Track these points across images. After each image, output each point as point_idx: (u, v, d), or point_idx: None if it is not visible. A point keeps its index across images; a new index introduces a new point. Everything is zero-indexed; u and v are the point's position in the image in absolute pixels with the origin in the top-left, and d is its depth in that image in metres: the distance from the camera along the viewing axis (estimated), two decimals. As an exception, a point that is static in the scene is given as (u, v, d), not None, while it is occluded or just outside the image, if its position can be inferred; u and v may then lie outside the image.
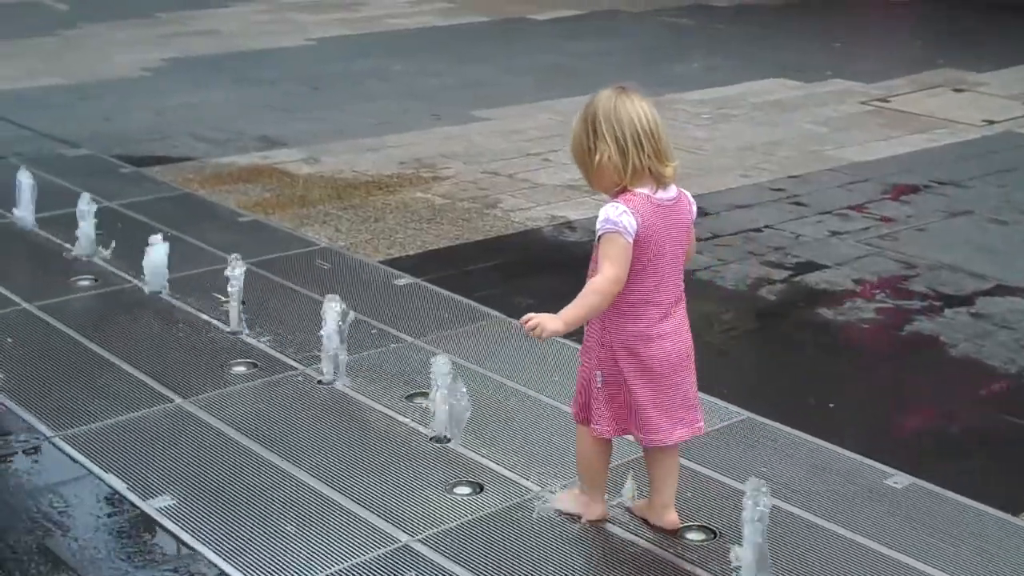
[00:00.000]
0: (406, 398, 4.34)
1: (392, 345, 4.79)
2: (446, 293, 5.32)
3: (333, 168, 7.26)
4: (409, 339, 4.84)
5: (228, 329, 4.92)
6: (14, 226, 6.10)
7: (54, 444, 4.04)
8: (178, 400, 4.32)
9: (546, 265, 5.77)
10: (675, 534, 3.53)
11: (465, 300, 5.22)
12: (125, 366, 4.58)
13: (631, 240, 3.33)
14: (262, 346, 4.76)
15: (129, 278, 5.43)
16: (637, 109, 3.44)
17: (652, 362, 3.42)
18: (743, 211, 6.56)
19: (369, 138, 7.99)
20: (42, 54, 10.49)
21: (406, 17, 12.57)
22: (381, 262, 5.66)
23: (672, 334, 3.46)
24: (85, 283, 5.44)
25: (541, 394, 4.37)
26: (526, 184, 7.02)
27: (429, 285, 5.40)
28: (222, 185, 6.90)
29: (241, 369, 4.60)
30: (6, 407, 4.27)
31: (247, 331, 4.87)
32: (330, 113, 8.66)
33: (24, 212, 6.07)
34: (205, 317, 5.04)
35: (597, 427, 3.50)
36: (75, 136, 7.78)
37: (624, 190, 3.37)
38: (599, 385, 3.47)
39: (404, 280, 5.46)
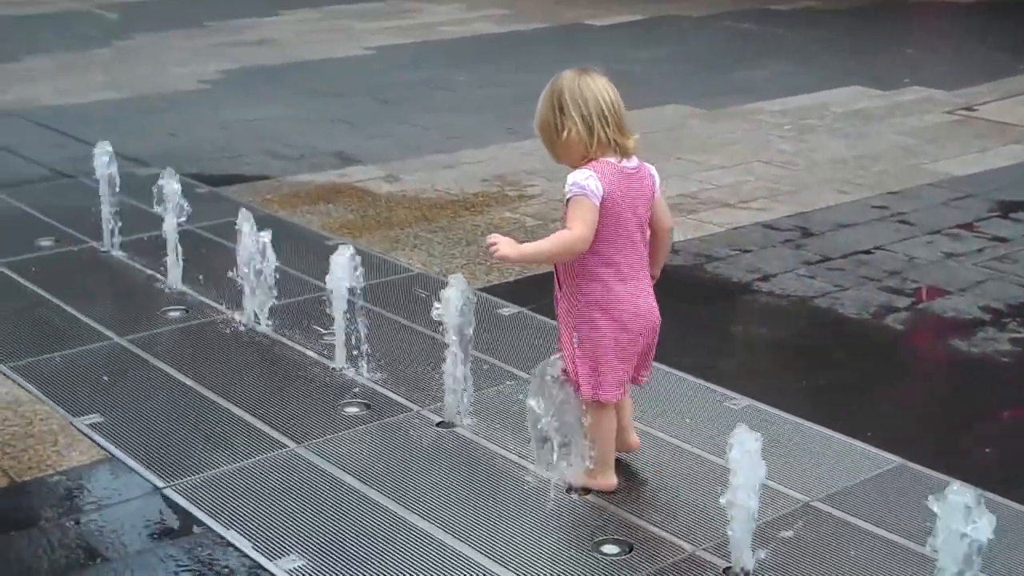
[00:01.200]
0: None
1: (508, 382, 4.53)
2: (554, 324, 5.05)
3: (414, 187, 7.00)
4: (525, 376, 4.58)
5: (333, 365, 4.67)
6: (96, 252, 5.88)
7: (166, 496, 3.79)
8: (291, 445, 4.07)
9: (652, 291, 5.51)
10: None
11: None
12: (230, 406, 4.33)
13: (597, 203, 3.54)
14: (372, 384, 4.51)
15: (221, 308, 5.19)
16: (599, 87, 3.67)
17: (614, 322, 3.63)
18: (848, 231, 6.27)
19: (444, 154, 7.73)
20: (98, 66, 10.29)
21: (461, 24, 12.32)
22: (481, 289, 5.39)
23: (630, 298, 3.65)
24: (176, 314, 5.19)
25: (681, 441, 4.11)
26: (617, 202, 6.75)
27: (535, 315, 5.14)
28: (303, 205, 6.65)
29: (354, 410, 4.35)
30: (111, 454, 4.04)
31: (354, 367, 4.63)
32: (400, 127, 8.41)
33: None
34: (308, 352, 4.79)
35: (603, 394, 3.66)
36: (143, 154, 7.54)
37: (589, 160, 3.60)
38: (575, 344, 3.65)
39: (508, 310, 5.20)
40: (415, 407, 4.34)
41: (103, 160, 5.90)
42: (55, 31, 11.86)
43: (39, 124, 8.38)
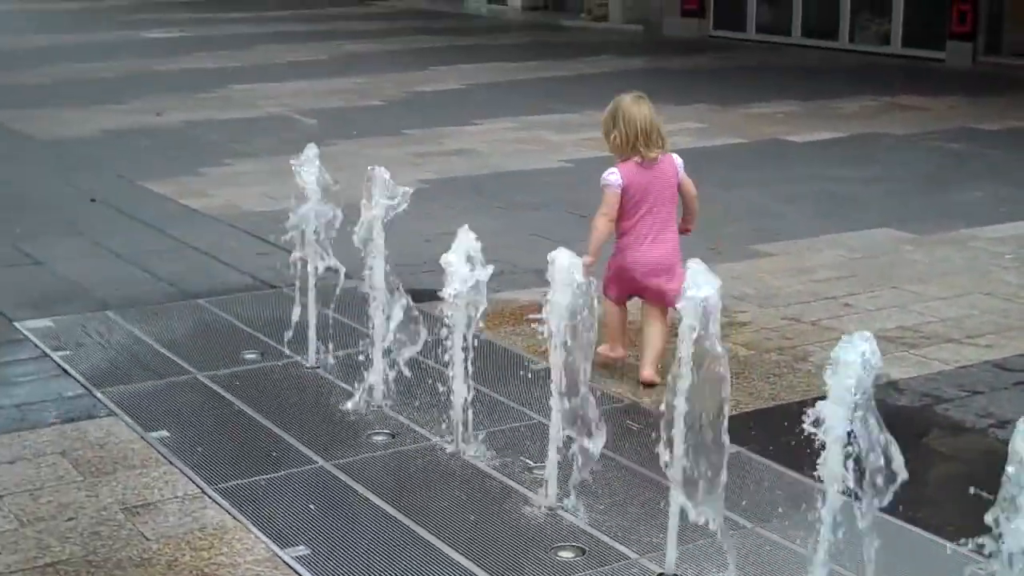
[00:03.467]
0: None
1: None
2: (777, 467, 4.77)
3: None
4: (748, 526, 4.30)
5: (546, 504, 4.45)
6: (301, 368, 5.80)
7: (375, 642, 3.60)
8: (505, 592, 3.85)
9: (879, 434, 5.17)
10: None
11: (801, 478, 4.65)
12: (440, 544, 4.14)
13: (618, 191, 5.66)
14: (589, 529, 4.27)
15: (428, 435, 5.02)
16: (643, 112, 5.59)
17: (619, 264, 5.81)
18: (1093, 376, 5.85)
19: (649, 274, 7.52)
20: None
21: (658, 138, 12.15)
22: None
23: (635, 250, 5.76)
24: (381, 439, 5.05)
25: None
26: (834, 334, 6.42)
27: (757, 457, 4.85)
28: (506, 325, 6.50)
29: (568, 555, 4.11)
30: (319, 592, 3.87)
31: (570, 507, 4.40)
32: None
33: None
34: (518, 488, 4.58)
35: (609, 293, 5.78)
36: (346, 265, 7.48)
37: (623, 159, 5.63)
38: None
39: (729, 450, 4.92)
40: (633, 555, 4.09)
41: (309, 271, 5.86)
42: (258, 135, 12.06)
43: (244, 231, 8.43)
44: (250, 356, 5.96)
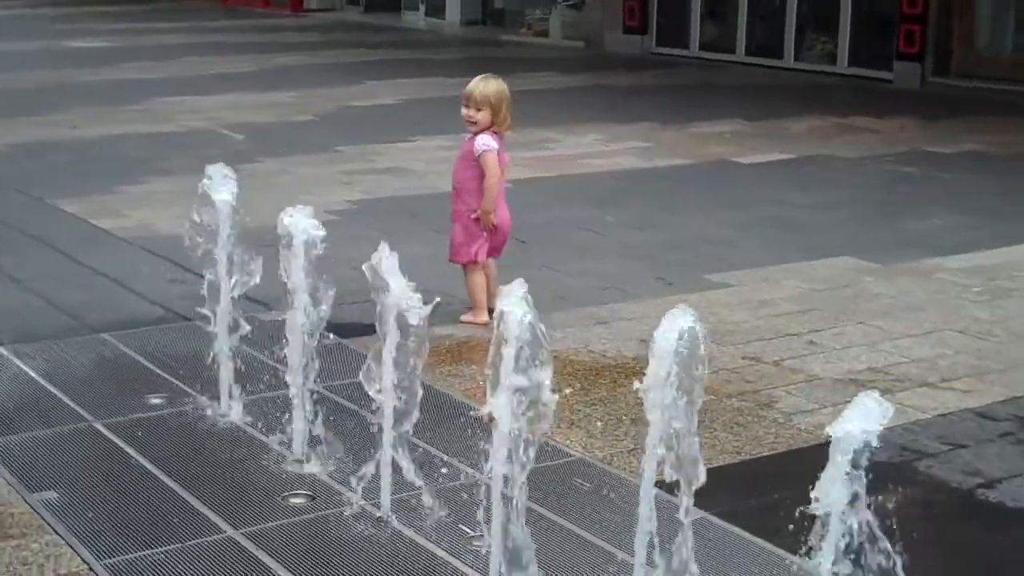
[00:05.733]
0: None
1: (701, 619, 3.69)
2: (749, 538, 4.23)
3: (566, 345, 6.24)
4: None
5: (487, 583, 3.87)
6: (212, 414, 5.18)
7: None
8: None
9: (857, 495, 4.64)
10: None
11: (775, 550, 4.12)
12: (363, 636, 3.55)
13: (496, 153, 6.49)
14: (537, 615, 3.70)
15: (353, 496, 4.43)
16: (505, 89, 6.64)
17: (502, 221, 6.67)
18: (1081, 424, 5.36)
19: (595, 306, 6.98)
20: None
21: (602, 158, 11.64)
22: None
23: (505, 208, 6.71)
24: (299, 501, 4.45)
25: None
26: (799, 376, 5.91)
27: (722, 523, 4.31)
28: (441, 365, 5.92)
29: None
30: None
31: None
32: (543, 273, 7.67)
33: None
34: (453, 561, 4.00)
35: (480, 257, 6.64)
36: (264, 294, 6.86)
37: (490, 131, 6.53)
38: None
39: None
40: None
41: (221, 302, 5.25)
42: (179, 151, 11.39)
43: (157, 255, 7.79)
44: (155, 401, 5.34)
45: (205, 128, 12.79)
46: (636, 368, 5.95)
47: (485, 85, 6.54)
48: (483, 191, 6.54)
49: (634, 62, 19.04)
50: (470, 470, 4.61)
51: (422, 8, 25.41)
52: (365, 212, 9.25)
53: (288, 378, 4.85)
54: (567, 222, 9.06)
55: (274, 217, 8.58)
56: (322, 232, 4.80)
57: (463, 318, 6.62)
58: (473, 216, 6.59)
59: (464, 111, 6.57)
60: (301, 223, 4.83)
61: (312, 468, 4.66)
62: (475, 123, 6.53)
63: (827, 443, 5.04)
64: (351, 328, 6.33)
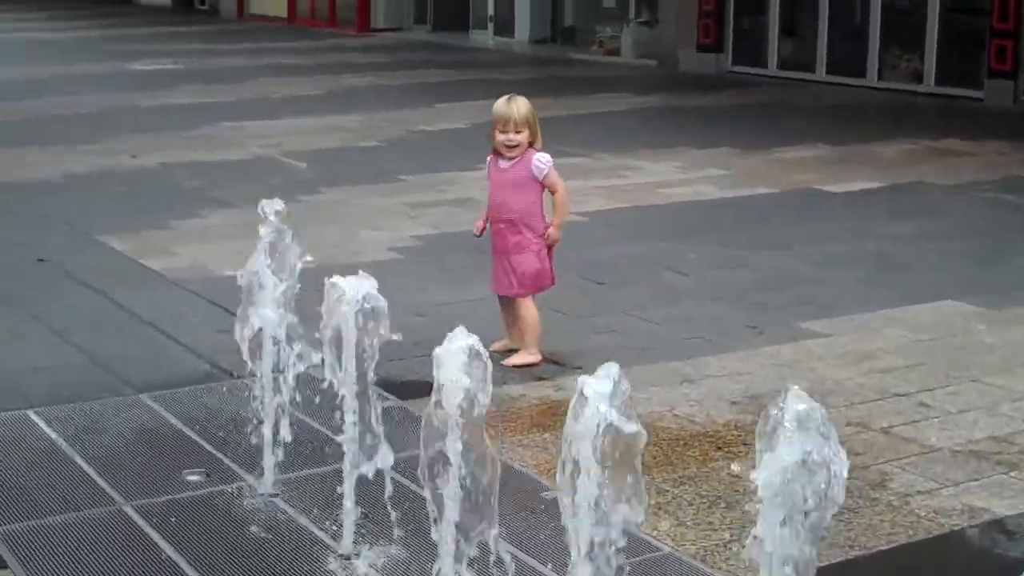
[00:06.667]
0: None
1: None
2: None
3: (649, 408, 5.62)
4: None
5: None
6: (253, 496, 4.62)
7: None
8: None
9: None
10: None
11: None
12: None
13: None
14: None
15: (409, 602, 3.86)
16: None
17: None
18: None
19: (680, 360, 6.37)
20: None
21: (681, 186, 11.00)
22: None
23: None
24: (346, 609, 3.89)
25: None
26: (912, 447, 5.26)
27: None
28: (513, 432, 5.33)
29: None
30: None
31: None
32: (622, 320, 7.08)
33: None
34: None
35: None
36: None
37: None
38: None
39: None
40: None
41: (270, 361, 4.69)
42: (240, 181, 10.92)
43: (207, 299, 7.28)
44: (193, 478, 4.80)
45: (267, 156, 12.32)
46: (728, 437, 5.34)
47: (518, 105, 6.21)
48: (551, 211, 6.32)
49: (709, 82, 18.39)
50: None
51: (491, 27, 24.88)
52: (432, 249, 8.69)
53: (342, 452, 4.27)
54: (647, 259, 8.44)
55: (336, 254, 7.99)
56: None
57: (514, 361, 6.23)
58: (546, 239, 6.28)
59: (502, 136, 6.22)
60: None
61: (361, 568, 4.09)
62: (516, 146, 6.20)
63: (952, 533, 4.43)
64: (413, 388, 5.76)
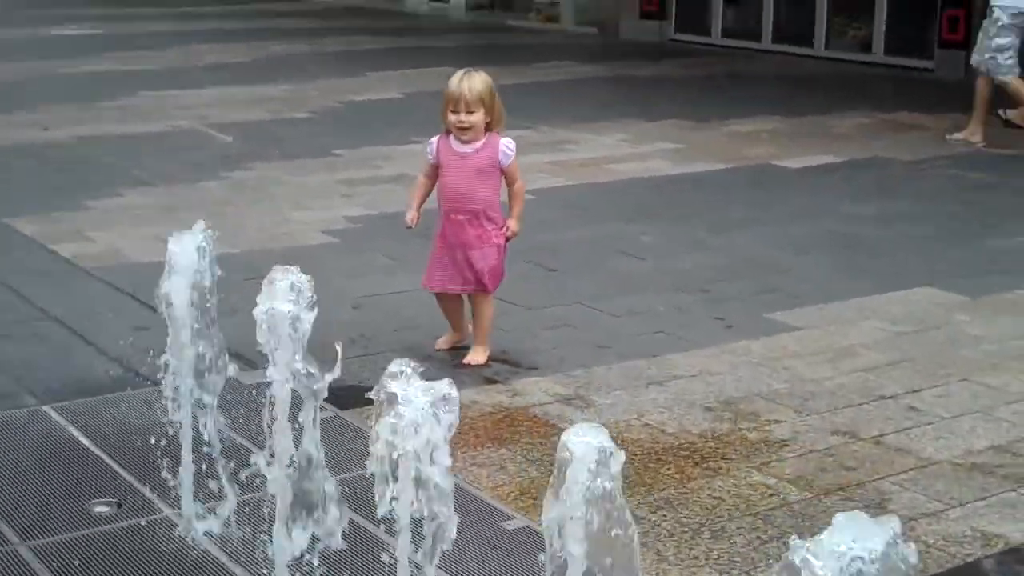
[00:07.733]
0: None
1: None
2: None
3: (614, 416, 5.07)
4: None
5: None
6: (169, 532, 4.01)
7: None
8: None
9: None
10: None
11: None
12: None
13: None
14: None
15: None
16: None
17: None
18: None
19: (644, 358, 5.82)
20: (203, 208, 8.20)
21: (630, 161, 10.45)
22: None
23: None
24: (281, 675, 3.30)
25: None
26: (908, 459, 4.75)
27: None
28: (466, 449, 4.74)
29: None
30: None
31: None
32: (577, 312, 6.53)
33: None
34: None
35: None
36: (249, 347, 5.69)
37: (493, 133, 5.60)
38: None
39: None
40: None
41: (189, 367, 4.07)
42: (160, 156, 10.22)
43: (123, 292, 6.63)
44: (101, 509, 4.17)
45: (191, 128, 11.60)
46: (705, 451, 4.80)
47: (471, 82, 5.48)
48: (509, 203, 5.75)
49: (652, 50, 17.83)
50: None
51: (425, -8, 24.18)
52: (369, 231, 8.06)
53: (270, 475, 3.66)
54: (600, 243, 7.88)
55: (263, 239, 7.42)
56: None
57: (470, 360, 5.69)
58: (506, 232, 5.68)
59: (453, 117, 5.53)
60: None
61: (300, 625, 3.50)
62: (469, 128, 5.51)
63: (967, 565, 3.92)
64: (352, 396, 5.12)
